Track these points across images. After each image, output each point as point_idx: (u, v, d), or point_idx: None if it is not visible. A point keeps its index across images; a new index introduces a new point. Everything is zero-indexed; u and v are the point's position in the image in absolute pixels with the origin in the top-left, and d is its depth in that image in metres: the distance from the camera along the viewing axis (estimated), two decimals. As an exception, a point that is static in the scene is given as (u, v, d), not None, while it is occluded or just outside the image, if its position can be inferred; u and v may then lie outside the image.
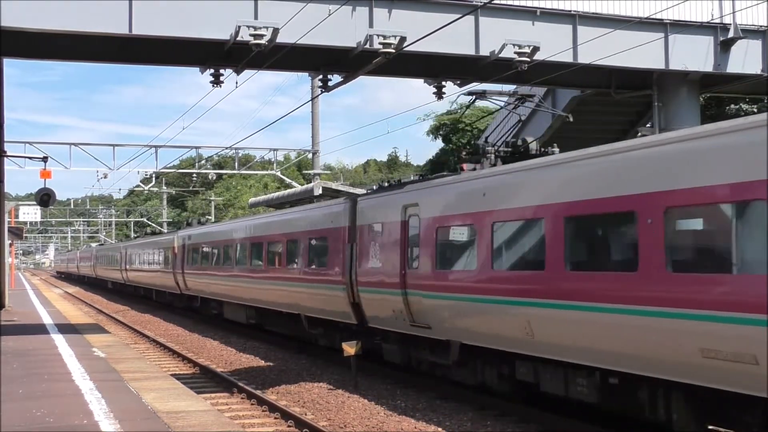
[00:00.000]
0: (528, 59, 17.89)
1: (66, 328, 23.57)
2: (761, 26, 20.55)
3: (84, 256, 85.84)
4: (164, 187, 75.89)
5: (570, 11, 19.12)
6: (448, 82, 19.86)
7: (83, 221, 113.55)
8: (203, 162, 50.47)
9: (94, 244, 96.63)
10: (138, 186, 50.35)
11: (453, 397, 15.19)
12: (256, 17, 16.74)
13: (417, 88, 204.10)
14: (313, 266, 19.89)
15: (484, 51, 18.24)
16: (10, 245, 41.89)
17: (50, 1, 15.87)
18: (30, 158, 31.76)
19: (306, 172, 51.13)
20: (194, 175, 53.91)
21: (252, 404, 15.84)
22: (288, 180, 44.73)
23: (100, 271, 68.00)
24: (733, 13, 20.01)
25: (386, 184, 18.00)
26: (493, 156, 14.67)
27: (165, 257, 38.66)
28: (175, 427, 9.83)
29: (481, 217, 13.19)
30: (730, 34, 20.12)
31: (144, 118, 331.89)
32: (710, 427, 10.38)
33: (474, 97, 16.28)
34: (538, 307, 11.61)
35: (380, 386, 16.76)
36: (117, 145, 38.93)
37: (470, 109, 55.35)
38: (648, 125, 24.27)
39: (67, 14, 15.97)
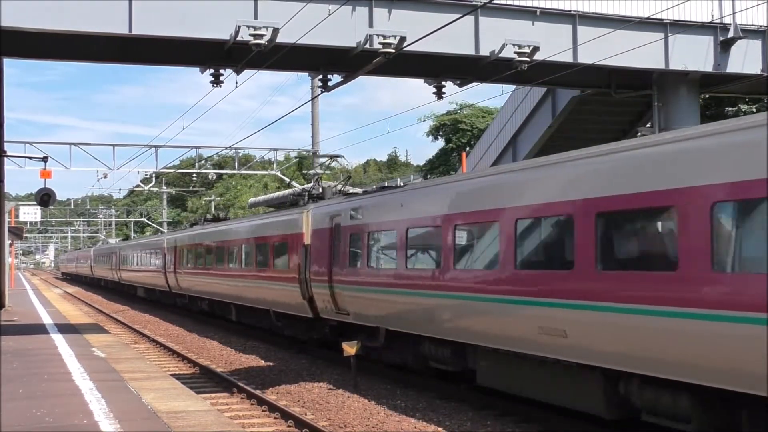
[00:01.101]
0: (528, 59, 17.90)
1: (66, 328, 23.56)
2: (761, 26, 20.55)
3: (101, 254, 68.25)
4: (164, 187, 75.95)
5: (570, 11, 19.13)
6: (448, 82, 19.87)
7: (83, 221, 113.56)
8: (203, 162, 50.46)
9: (113, 240, 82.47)
10: (138, 186, 50.33)
11: (453, 397, 15.18)
12: (256, 17, 16.74)
13: (416, 88, 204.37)
14: None
15: (484, 51, 18.25)
16: (10, 245, 41.90)
17: (50, 1, 15.87)
18: (30, 158, 31.75)
19: (306, 172, 51.14)
20: (194, 175, 53.95)
21: (252, 404, 15.84)
22: (288, 180, 44.76)
23: (127, 274, 52.47)
24: (733, 13, 20.01)
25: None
26: None
27: (276, 254, 22.82)
28: (174, 427, 9.82)
29: None
30: (730, 34, 20.12)
31: (144, 118, 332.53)
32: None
33: None
34: None
35: (380, 386, 16.76)
36: (117, 145, 38.92)
37: (470, 109, 55.48)
38: (648, 125, 24.28)
39: (67, 14, 15.97)
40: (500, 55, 18.11)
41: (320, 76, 19.30)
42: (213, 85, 18.37)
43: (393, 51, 16.71)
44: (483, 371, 13.64)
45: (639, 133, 23.95)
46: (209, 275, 30.01)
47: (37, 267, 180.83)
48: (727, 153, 9.00)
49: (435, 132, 56.60)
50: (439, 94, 19.94)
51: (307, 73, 22.47)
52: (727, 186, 8.88)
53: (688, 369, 9.38)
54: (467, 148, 42.63)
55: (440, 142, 56.54)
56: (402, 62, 18.76)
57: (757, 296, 8.44)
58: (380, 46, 16.74)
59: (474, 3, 17.85)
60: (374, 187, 22.96)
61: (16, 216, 52.51)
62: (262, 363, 21.35)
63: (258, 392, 16.42)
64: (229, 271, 27.47)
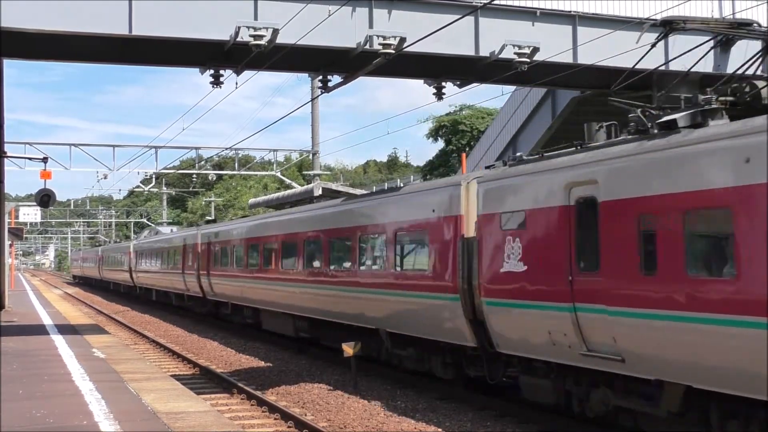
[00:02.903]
0: (528, 60, 17.88)
1: (66, 329, 23.56)
2: (761, 26, 20.53)
3: (149, 249, 45.26)
4: (164, 188, 75.93)
5: (570, 12, 19.11)
6: (448, 83, 19.86)
7: (83, 222, 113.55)
8: (203, 163, 50.37)
9: (169, 228, 52.62)
10: (138, 187, 50.34)
11: (453, 397, 15.19)
12: (256, 18, 16.72)
13: (416, 88, 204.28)
14: None
15: (484, 52, 18.23)
16: (10, 246, 41.89)
17: (50, 1, 15.85)
18: (30, 159, 31.78)
19: (306, 172, 51.15)
20: (194, 175, 53.93)
21: (252, 405, 15.84)
22: (288, 180, 44.74)
23: (228, 286, 28.85)
24: (733, 13, 20.01)
25: None
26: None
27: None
28: (174, 427, 9.82)
29: None
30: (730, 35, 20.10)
31: (144, 118, 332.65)
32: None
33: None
34: None
35: (380, 386, 16.76)
36: (117, 146, 38.93)
37: (469, 110, 55.46)
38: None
39: (67, 14, 15.96)
40: (500, 56, 18.09)
41: (320, 77, 19.29)
42: (213, 86, 18.34)
43: (393, 52, 16.69)
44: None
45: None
46: None
47: (37, 268, 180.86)
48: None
49: (435, 133, 56.57)
50: (439, 95, 19.92)
51: (307, 74, 22.42)
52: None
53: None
54: (467, 149, 42.62)
55: (440, 143, 56.55)
56: (402, 63, 18.74)
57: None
58: (380, 47, 16.71)
59: (474, 3, 17.83)
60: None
61: (16, 217, 52.52)
62: (262, 364, 21.36)
63: (258, 393, 16.42)
64: None
